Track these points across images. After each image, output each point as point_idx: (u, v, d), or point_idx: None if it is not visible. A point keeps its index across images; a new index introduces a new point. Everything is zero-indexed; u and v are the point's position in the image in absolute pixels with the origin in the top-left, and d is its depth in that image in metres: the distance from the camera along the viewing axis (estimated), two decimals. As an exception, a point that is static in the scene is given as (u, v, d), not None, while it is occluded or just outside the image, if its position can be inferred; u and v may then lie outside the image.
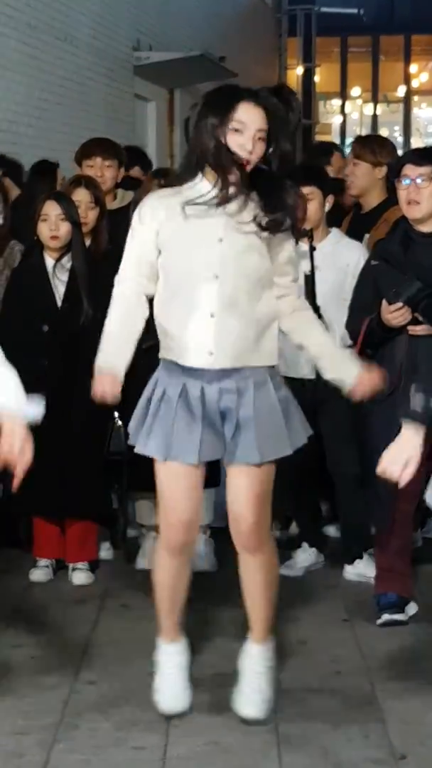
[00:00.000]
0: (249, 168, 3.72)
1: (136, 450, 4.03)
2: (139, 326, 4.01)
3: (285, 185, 3.79)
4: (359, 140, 6.85)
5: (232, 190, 3.71)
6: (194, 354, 3.82)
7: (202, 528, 5.77)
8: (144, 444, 3.97)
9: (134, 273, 3.96)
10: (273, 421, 3.88)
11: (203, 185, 3.77)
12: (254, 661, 4.07)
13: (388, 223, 5.78)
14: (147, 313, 4.00)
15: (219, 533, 5.29)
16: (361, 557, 5.57)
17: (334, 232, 5.60)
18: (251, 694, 4.01)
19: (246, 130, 3.67)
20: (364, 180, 5.97)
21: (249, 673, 4.05)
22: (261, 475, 3.92)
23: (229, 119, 3.66)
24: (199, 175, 3.79)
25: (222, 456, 3.94)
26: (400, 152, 6.50)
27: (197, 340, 3.81)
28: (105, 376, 4.00)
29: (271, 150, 3.74)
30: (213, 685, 4.25)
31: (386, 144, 6.64)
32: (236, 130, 3.67)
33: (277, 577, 4.10)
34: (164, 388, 3.92)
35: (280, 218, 3.74)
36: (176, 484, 3.96)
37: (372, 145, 6.34)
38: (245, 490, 3.92)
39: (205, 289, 3.79)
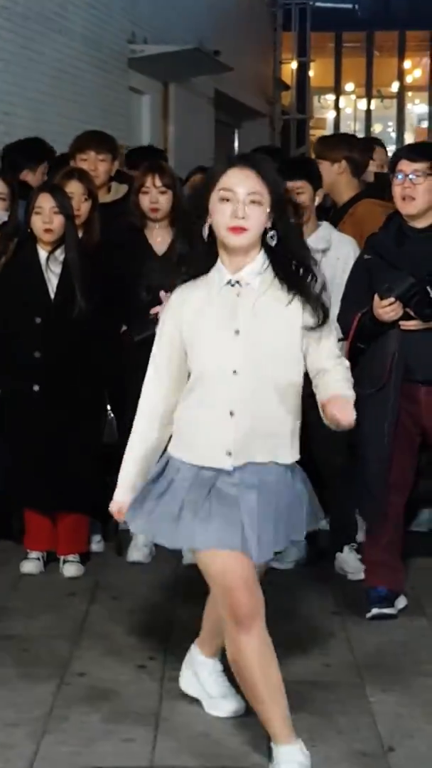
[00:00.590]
0: (246, 235, 3.40)
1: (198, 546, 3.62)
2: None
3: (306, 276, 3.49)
4: (318, 140, 6.99)
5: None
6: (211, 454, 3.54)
7: None
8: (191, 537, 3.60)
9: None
10: (285, 517, 3.59)
11: (221, 272, 3.50)
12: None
13: (353, 217, 5.80)
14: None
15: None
16: (341, 550, 5.58)
17: (324, 225, 5.57)
18: None
19: (234, 196, 3.37)
20: (326, 177, 5.95)
21: None
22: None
23: (216, 188, 3.40)
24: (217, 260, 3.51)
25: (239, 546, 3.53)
26: (392, 147, 6.54)
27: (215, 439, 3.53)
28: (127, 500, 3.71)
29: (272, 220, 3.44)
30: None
31: (341, 140, 6.73)
32: (225, 200, 3.38)
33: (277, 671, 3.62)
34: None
35: (319, 319, 3.47)
36: (222, 557, 3.54)
37: (328, 143, 6.46)
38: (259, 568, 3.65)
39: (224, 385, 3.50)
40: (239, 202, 3.35)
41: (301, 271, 3.47)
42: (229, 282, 3.47)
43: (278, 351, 3.48)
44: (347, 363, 3.65)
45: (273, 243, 3.44)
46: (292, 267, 3.47)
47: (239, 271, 3.46)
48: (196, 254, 3.52)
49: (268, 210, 3.40)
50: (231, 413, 3.48)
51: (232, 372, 3.46)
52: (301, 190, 5.36)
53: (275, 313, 3.45)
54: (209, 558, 3.55)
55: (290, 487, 3.60)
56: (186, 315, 3.52)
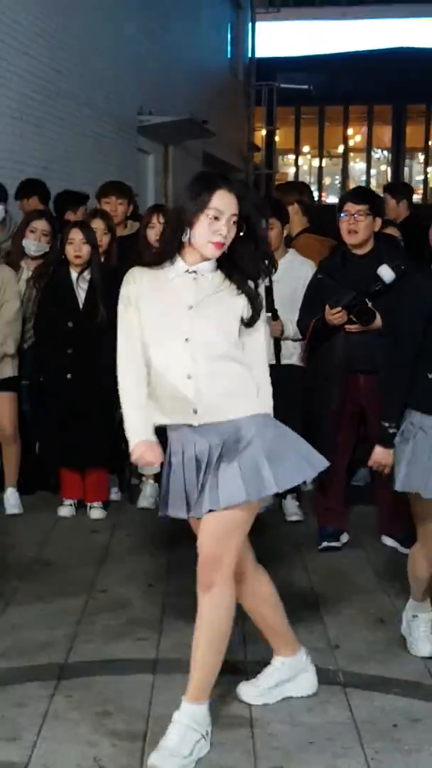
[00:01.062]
0: (222, 249, 3.13)
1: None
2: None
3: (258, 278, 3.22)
4: (276, 187, 7.05)
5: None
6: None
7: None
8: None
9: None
10: (253, 467, 3.08)
11: (179, 264, 3.18)
12: (178, 716, 3.10)
13: (295, 247, 5.75)
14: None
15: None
16: (285, 498, 5.56)
17: (291, 252, 5.54)
18: (163, 742, 3.04)
19: (222, 217, 3.09)
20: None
21: (171, 727, 3.08)
22: (236, 513, 3.10)
23: (207, 207, 3.08)
24: (177, 256, 3.17)
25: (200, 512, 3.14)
26: (334, 197, 6.60)
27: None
28: (142, 443, 3.20)
29: (243, 232, 3.15)
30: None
31: (293, 187, 6.78)
32: (215, 218, 3.08)
33: (221, 630, 3.11)
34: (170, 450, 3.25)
35: (256, 316, 3.19)
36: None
37: (282, 189, 6.57)
38: (205, 524, 3.14)
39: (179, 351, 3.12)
40: (224, 223, 3.09)
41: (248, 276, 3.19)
42: (186, 270, 3.15)
43: (222, 327, 3.13)
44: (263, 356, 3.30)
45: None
46: (242, 272, 3.18)
47: (197, 264, 3.16)
48: (161, 254, 3.18)
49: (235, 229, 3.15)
50: (188, 377, 3.09)
51: (184, 339, 3.10)
52: (272, 226, 5.38)
53: (223, 299, 3.15)
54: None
55: (261, 439, 3.12)
56: (143, 291, 3.16)
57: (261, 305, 3.21)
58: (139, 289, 3.17)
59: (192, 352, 3.10)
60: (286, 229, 5.52)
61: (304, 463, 3.20)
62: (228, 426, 3.12)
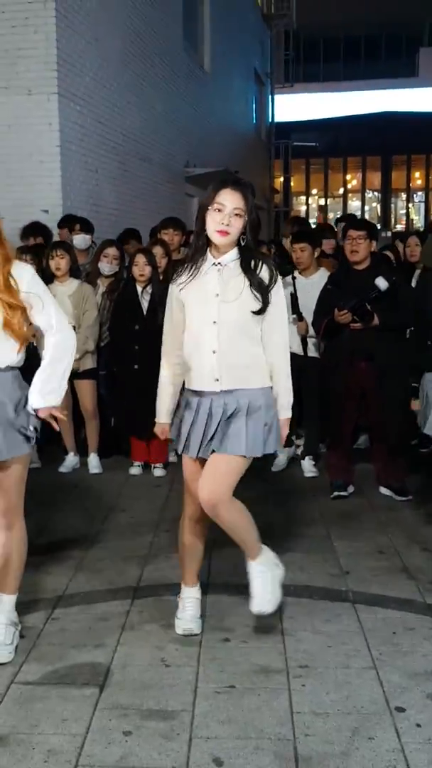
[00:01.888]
0: (228, 237, 2.95)
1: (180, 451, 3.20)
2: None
3: (263, 266, 3.03)
4: (290, 219, 7.01)
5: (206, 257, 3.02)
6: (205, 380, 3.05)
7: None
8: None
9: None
10: (255, 432, 3.01)
11: (209, 258, 3.04)
12: (252, 571, 3.15)
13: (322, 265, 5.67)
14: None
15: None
16: (303, 459, 5.49)
17: (322, 269, 5.43)
18: (256, 597, 3.12)
19: (224, 209, 2.94)
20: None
21: (252, 582, 3.14)
22: (236, 461, 3.03)
23: (213, 202, 2.95)
24: (207, 251, 3.04)
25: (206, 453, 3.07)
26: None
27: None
28: (164, 425, 3.30)
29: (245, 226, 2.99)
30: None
31: (320, 230, 6.73)
32: (218, 210, 2.95)
33: (242, 523, 3.10)
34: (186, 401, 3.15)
35: (263, 305, 3.00)
36: (196, 473, 3.17)
37: (314, 232, 6.50)
38: (217, 464, 3.04)
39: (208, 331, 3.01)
40: (227, 214, 2.94)
41: (259, 266, 3.01)
42: (214, 264, 3.02)
43: (242, 310, 2.99)
44: (282, 340, 3.08)
45: (243, 243, 3.00)
46: (252, 263, 3.00)
47: (221, 257, 3.02)
48: (195, 250, 3.05)
49: (244, 222, 2.98)
50: (213, 351, 2.99)
51: (212, 322, 2.99)
52: (304, 249, 5.32)
53: (242, 287, 2.99)
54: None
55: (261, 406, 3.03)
56: (182, 284, 3.05)
57: (267, 298, 3.00)
58: (180, 284, 3.07)
59: (218, 333, 2.99)
60: (316, 252, 5.43)
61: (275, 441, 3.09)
62: (242, 393, 3.02)
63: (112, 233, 8.15)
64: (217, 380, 3.02)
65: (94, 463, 5.66)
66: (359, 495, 5.05)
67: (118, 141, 9.42)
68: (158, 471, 5.56)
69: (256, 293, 3.00)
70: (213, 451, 3.03)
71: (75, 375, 5.55)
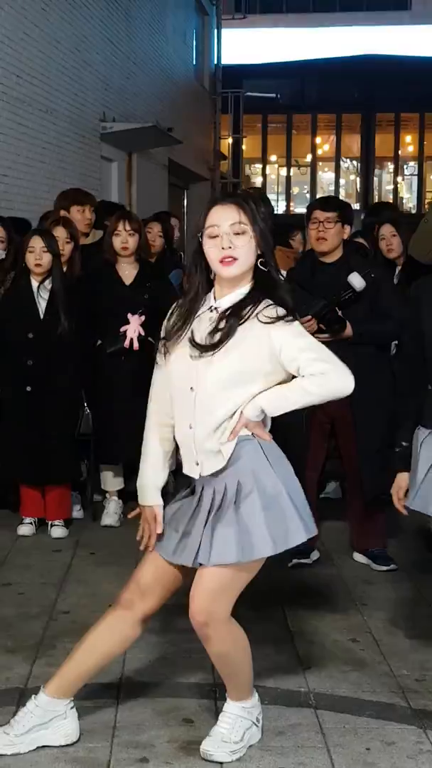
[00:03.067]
0: (237, 264, 2.93)
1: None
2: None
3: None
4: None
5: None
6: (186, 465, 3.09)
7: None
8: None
9: None
10: (254, 522, 2.98)
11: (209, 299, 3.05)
12: (228, 708, 3.24)
13: None
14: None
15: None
16: None
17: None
18: (215, 734, 3.19)
19: (219, 230, 2.92)
20: None
21: (222, 717, 3.24)
22: (230, 571, 3.02)
23: (203, 228, 2.95)
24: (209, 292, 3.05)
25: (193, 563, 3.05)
26: (302, 207, 6.56)
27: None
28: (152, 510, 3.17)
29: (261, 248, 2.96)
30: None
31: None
32: (213, 236, 2.93)
33: (234, 657, 3.18)
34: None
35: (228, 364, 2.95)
36: (154, 562, 3.17)
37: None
38: (198, 575, 3.06)
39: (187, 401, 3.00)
40: (224, 234, 2.91)
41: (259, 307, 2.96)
42: (210, 308, 3.01)
43: (237, 370, 2.94)
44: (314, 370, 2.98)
45: (266, 269, 2.98)
46: (250, 306, 2.96)
47: (224, 296, 3.01)
48: (191, 293, 3.05)
49: (253, 239, 2.94)
50: (189, 426, 3.00)
51: (189, 388, 2.98)
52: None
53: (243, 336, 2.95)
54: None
55: (255, 496, 3.01)
56: (169, 332, 3.06)
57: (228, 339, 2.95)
58: (167, 330, 3.06)
59: (194, 402, 2.98)
60: None
61: (300, 523, 3.07)
62: (227, 473, 3.00)
63: (1, 208, 8.12)
64: (198, 464, 3.03)
65: (-31, 519, 5.60)
66: (327, 563, 5.08)
67: (10, 84, 9.42)
68: (57, 530, 5.53)
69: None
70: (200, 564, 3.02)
71: None
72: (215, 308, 3.01)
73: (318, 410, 4.84)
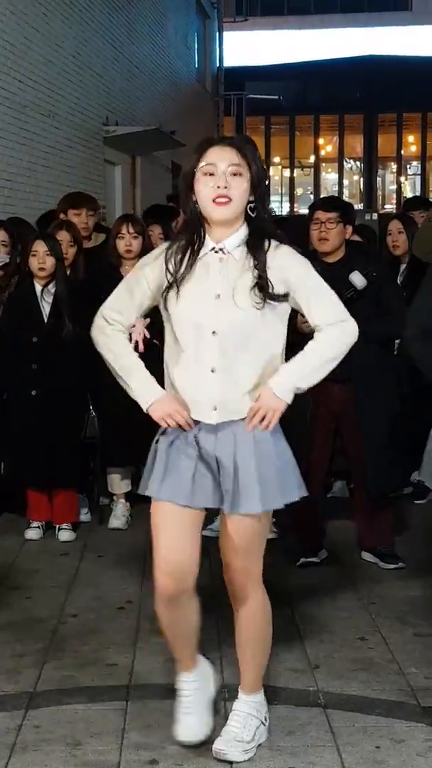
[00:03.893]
0: (231, 206, 2.90)
1: (148, 494, 3.10)
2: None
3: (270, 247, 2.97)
4: None
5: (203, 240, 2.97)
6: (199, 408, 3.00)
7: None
8: (158, 490, 3.06)
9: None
10: (269, 472, 3.01)
11: (207, 241, 3.00)
12: (239, 706, 3.24)
13: None
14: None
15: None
16: None
17: None
18: (228, 733, 3.17)
19: (216, 170, 2.89)
20: None
21: (233, 716, 3.22)
22: (254, 525, 3.06)
23: (198, 166, 2.92)
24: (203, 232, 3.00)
25: (217, 505, 3.06)
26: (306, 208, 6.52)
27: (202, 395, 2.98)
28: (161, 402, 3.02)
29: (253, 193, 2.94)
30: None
31: None
32: (208, 174, 2.90)
33: (266, 629, 3.23)
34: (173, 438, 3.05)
35: (255, 308, 2.95)
36: (174, 528, 3.06)
37: None
38: (231, 538, 3.08)
39: (206, 344, 2.95)
40: (221, 173, 2.88)
41: (272, 249, 2.97)
42: (213, 249, 2.96)
43: (252, 316, 2.94)
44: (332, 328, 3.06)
45: (254, 214, 2.95)
46: (264, 245, 2.96)
47: (223, 240, 2.96)
48: (186, 230, 3.00)
49: (248, 183, 2.92)
50: (212, 370, 2.96)
51: (212, 333, 2.94)
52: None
53: (251, 283, 2.94)
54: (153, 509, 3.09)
55: (270, 446, 3.05)
56: (175, 269, 2.98)
57: (264, 293, 2.95)
58: (172, 266, 2.97)
59: (218, 346, 2.94)
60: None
61: (296, 480, 3.12)
62: (240, 426, 2.99)
63: (3, 214, 8.12)
64: (215, 409, 2.98)
65: (-24, 523, 5.60)
66: (334, 562, 5.07)
67: (13, 90, 9.43)
68: (65, 534, 5.52)
69: (260, 292, 2.93)
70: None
71: None
72: (220, 249, 2.97)
73: (322, 408, 4.84)
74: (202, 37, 21.57)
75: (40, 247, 5.38)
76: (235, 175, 2.91)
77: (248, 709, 3.22)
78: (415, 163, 31.49)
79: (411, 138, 31.03)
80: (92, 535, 5.60)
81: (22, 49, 9.62)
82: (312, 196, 30.46)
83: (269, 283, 2.95)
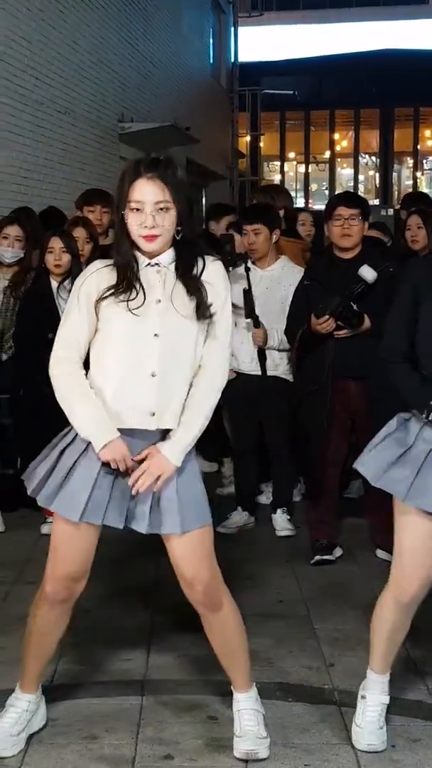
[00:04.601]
0: (159, 240, 2.96)
1: (38, 500, 3.16)
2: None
3: (197, 268, 3.04)
4: (255, 191, 6.99)
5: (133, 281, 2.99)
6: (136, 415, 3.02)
7: None
8: (49, 497, 3.10)
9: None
10: (193, 490, 3.07)
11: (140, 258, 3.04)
12: (244, 705, 3.24)
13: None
14: None
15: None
16: (275, 512, 5.55)
17: (282, 258, 5.53)
18: (249, 733, 3.18)
19: (144, 207, 2.93)
20: None
21: (242, 715, 3.22)
22: (199, 537, 3.08)
23: (128, 200, 2.94)
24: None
25: (128, 524, 3.13)
26: (321, 203, 6.53)
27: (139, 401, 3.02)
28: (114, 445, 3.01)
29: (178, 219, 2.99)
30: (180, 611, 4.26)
31: (267, 192, 6.76)
32: (136, 210, 2.94)
33: (242, 627, 3.25)
34: (88, 443, 3.06)
35: (200, 311, 3.01)
36: (75, 542, 3.17)
37: (260, 193, 6.57)
38: (188, 555, 3.09)
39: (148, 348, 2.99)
40: (148, 213, 2.92)
41: (201, 267, 3.04)
42: (148, 264, 3.01)
43: (186, 324, 3.01)
44: (219, 363, 3.09)
45: (178, 237, 3.00)
46: (193, 264, 3.03)
47: (155, 257, 3.02)
48: (119, 256, 3.01)
49: (176, 212, 2.97)
50: (153, 374, 2.99)
51: (154, 335, 2.98)
52: (258, 231, 5.38)
53: (184, 295, 3.01)
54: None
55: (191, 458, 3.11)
56: (101, 284, 2.99)
57: (201, 297, 3.01)
58: (97, 285, 3.01)
59: (160, 349, 2.98)
60: (275, 235, 5.48)
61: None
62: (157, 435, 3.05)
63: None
64: (154, 415, 3.01)
65: (-8, 519, 5.62)
66: (349, 560, 5.08)
67: (29, 87, 9.45)
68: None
69: (196, 304, 3.00)
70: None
71: (-33, 400, 5.53)
72: (156, 263, 3.02)
73: (338, 408, 4.85)
74: (217, 33, 21.54)
75: (56, 243, 5.40)
76: (161, 209, 2.95)
77: (253, 705, 3.24)
78: (431, 157, 31.38)
79: (428, 132, 30.93)
80: (105, 531, 5.59)
81: (38, 46, 9.64)
82: (327, 192, 30.41)
83: (204, 295, 3.02)
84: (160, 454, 3.01)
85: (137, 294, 2.99)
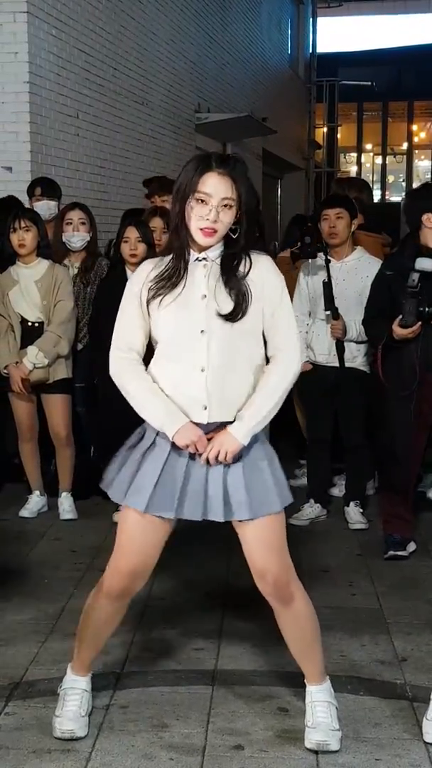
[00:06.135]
0: (216, 236, 2.98)
1: (109, 494, 3.24)
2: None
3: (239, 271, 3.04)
4: (335, 182, 7.12)
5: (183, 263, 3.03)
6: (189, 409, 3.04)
7: None
8: (122, 492, 3.16)
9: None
10: (261, 477, 3.07)
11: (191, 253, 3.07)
12: (317, 697, 3.22)
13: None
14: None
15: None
16: (348, 505, 5.53)
17: (359, 249, 5.50)
18: (321, 724, 3.17)
19: (210, 200, 2.94)
20: None
21: (315, 707, 3.21)
22: (269, 526, 3.08)
23: (195, 190, 2.95)
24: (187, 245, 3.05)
25: (204, 515, 3.09)
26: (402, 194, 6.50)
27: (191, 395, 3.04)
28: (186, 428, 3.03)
29: (238, 216, 2.99)
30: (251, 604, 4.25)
31: (351, 184, 6.82)
32: (201, 201, 2.95)
33: (316, 619, 3.23)
34: (154, 438, 3.13)
35: (236, 310, 3.01)
36: (142, 536, 3.17)
37: (342, 186, 6.69)
38: (259, 544, 3.09)
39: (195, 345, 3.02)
40: (213, 207, 2.94)
41: (247, 264, 3.04)
42: (196, 258, 3.03)
43: (237, 317, 3.01)
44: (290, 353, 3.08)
45: (234, 236, 3.01)
46: (237, 262, 3.04)
47: (205, 252, 3.03)
48: (174, 249, 3.04)
49: (236, 210, 2.98)
50: (202, 369, 3.01)
51: (200, 331, 3.01)
52: (341, 215, 5.36)
53: (227, 292, 3.02)
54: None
55: (258, 448, 3.11)
56: (153, 282, 3.06)
57: (243, 297, 3.02)
58: (148, 283, 3.07)
59: (207, 344, 3.01)
60: (354, 224, 5.47)
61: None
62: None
63: (96, 200, 8.20)
64: (206, 408, 3.03)
65: (66, 505, 5.69)
66: (423, 555, 5.03)
67: (107, 77, 9.50)
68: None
69: (235, 304, 3.01)
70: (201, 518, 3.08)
71: (43, 388, 5.58)
72: (204, 258, 3.04)
73: (424, 404, 4.77)
74: (296, 23, 21.43)
75: (131, 233, 5.42)
76: (225, 206, 2.96)
77: (326, 698, 3.23)
78: None
79: None
80: (179, 520, 5.61)
81: (117, 37, 9.69)
82: (404, 184, 30.11)
83: (248, 292, 3.02)
84: (226, 430, 3.03)
85: (183, 289, 3.03)
